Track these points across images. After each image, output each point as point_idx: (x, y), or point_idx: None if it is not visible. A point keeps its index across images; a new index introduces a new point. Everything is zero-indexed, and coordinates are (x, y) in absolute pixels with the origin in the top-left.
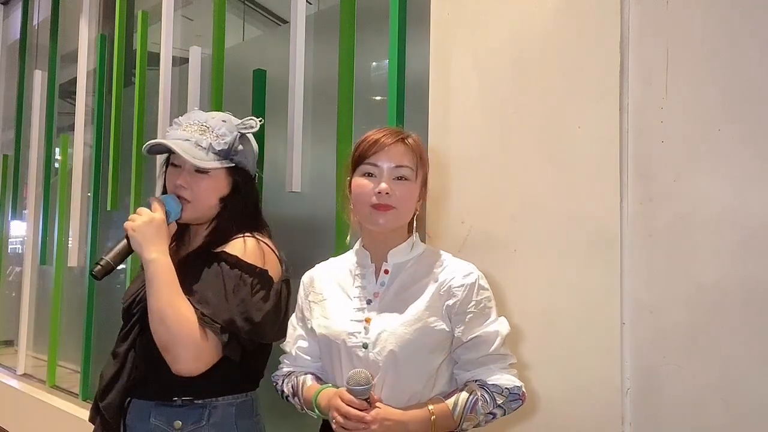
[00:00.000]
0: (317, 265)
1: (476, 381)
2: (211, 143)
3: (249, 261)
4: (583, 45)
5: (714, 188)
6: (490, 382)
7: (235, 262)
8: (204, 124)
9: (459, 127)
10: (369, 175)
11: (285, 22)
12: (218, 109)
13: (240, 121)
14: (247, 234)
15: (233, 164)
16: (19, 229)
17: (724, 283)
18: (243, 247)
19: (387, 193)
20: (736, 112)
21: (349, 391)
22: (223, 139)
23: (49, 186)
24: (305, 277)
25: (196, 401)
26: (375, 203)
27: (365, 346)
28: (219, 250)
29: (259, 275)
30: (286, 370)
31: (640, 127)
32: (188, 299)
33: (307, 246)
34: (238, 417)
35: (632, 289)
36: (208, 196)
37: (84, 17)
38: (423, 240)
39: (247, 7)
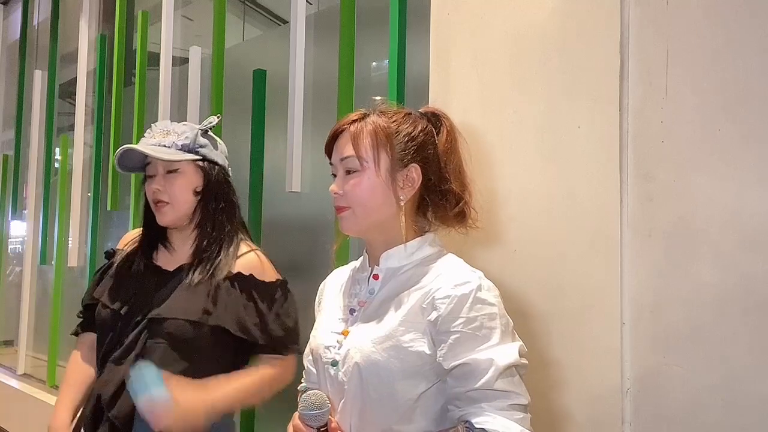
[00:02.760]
0: (333, 271)
1: (465, 421)
2: (174, 141)
3: (271, 278)
4: (583, 45)
5: (714, 188)
6: (477, 426)
7: (268, 284)
8: (165, 129)
9: (459, 127)
10: (334, 175)
11: (285, 22)
12: (219, 109)
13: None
14: (249, 244)
15: (200, 157)
16: (19, 229)
17: (724, 283)
18: (261, 265)
19: (336, 194)
20: (736, 112)
21: (300, 416)
22: (184, 135)
23: (49, 186)
24: (321, 285)
25: None
26: (335, 206)
27: (334, 363)
28: (248, 273)
29: (282, 286)
30: (301, 386)
31: (640, 127)
32: (252, 329)
33: (307, 246)
34: (230, 416)
35: (632, 289)
36: (183, 192)
37: (84, 17)
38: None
39: (247, 7)
